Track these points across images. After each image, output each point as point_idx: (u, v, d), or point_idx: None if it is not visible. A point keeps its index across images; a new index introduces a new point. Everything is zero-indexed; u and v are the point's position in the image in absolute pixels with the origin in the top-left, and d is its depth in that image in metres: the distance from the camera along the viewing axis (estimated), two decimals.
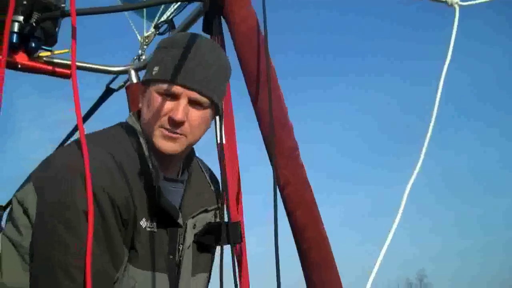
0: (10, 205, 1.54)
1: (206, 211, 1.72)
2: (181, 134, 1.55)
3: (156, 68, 1.57)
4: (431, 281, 64.78)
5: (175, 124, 1.53)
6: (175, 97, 1.54)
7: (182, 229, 1.63)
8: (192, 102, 1.55)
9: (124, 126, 1.66)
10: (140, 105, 1.64)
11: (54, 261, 1.38)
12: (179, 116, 1.52)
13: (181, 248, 1.63)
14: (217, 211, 1.75)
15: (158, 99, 1.54)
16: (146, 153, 1.57)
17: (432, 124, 1.35)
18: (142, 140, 1.60)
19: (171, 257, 1.59)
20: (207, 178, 1.83)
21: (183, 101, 1.53)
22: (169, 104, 1.54)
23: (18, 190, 1.52)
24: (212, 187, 1.81)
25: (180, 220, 1.61)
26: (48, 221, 1.41)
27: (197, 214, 1.68)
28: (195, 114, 1.56)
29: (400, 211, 1.23)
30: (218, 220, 1.73)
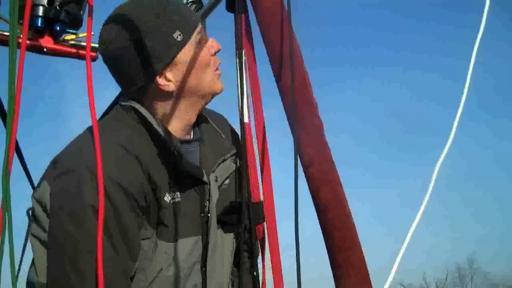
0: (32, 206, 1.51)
1: (223, 161, 1.69)
2: None
3: (177, 32, 1.50)
4: (481, 265, 62.56)
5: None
6: (204, 36, 1.59)
7: (207, 186, 1.60)
8: None
9: (123, 106, 1.58)
10: (171, 84, 1.53)
11: (64, 256, 1.37)
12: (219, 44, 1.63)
13: (207, 204, 1.60)
14: (236, 157, 1.72)
15: (199, 47, 1.57)
16: (154, 123, 1.51)
17: (460, 110, 1.26)
18: (144, 111, 1.53)
19: (202, 215, 1.58)
20: (215, 126, 1.76)
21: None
22: (209, 42, 1.60)
23: (35, 191, 1.50)
24: (223, 135, 1.75)
25: (204, 178, 1.59)
26: (58, 217, 1.40)
27: (216, 167, 1.65)
28: None
29: (425, 200, 1.15)
30: (238, 166, 1.71)
